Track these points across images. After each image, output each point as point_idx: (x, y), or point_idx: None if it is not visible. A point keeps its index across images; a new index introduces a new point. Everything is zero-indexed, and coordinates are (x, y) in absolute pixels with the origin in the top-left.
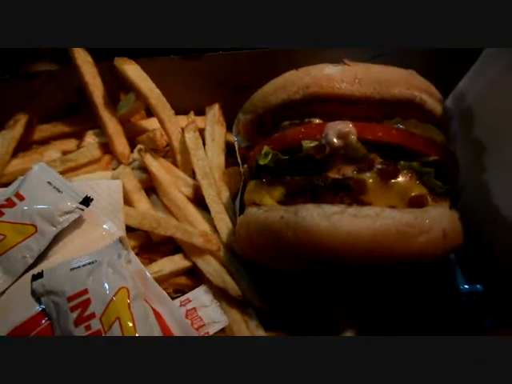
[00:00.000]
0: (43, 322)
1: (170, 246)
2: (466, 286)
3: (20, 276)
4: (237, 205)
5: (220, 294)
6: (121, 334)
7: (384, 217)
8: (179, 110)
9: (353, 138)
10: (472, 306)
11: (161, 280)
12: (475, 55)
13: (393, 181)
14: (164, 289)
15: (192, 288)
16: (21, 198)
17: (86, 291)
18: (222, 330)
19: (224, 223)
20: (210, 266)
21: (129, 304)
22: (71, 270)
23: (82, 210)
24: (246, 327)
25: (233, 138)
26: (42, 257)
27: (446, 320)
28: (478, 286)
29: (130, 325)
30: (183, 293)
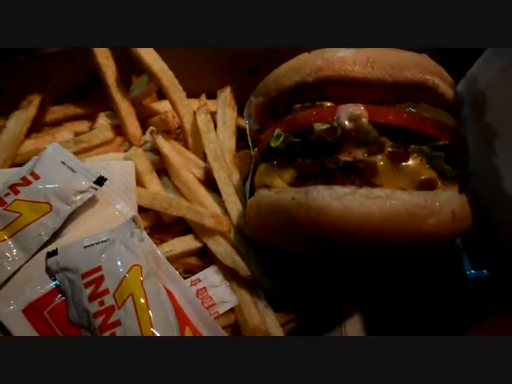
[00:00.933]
0: (58, 297)
1: (181, 226)
2: (472, 271)
3: (35, 253)
4: (247, 187)
5: (230, 274)
6: (134, 310)
7: (395, 198)
8: (191, 93)
9: (364, 120)
10: (477, 291)
11: (172, 260)
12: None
13: (403, 164)
14: (175, 269)
15: (202, 268)
16: (36, 177)
17: (99, 268)
18: (231, 309)
19: (234, 205)
20: (221, 247)
21: (141, 281)
22: (85, 247)
23: (96, 189)
24: (255, 307)
25: (244, 121)
26: (56, 235)
27: (452, 304)
28: (485, 272)
29: (143, 301)
30: (193, 273)
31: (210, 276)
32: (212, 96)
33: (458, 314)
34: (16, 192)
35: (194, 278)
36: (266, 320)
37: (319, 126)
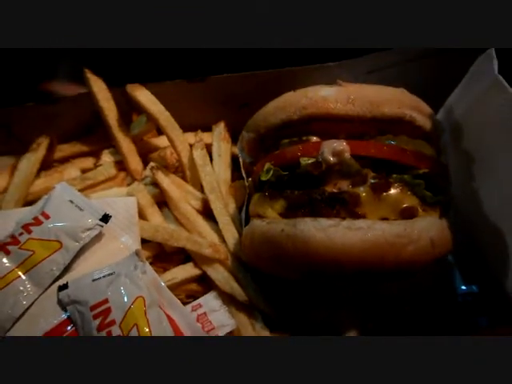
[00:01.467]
0: (69, 327)
1: (182, 255)
2: (463, 287)
3: (48, 287)
4: (243, 216)
5: (228, 299)
6: None
7: (375, 229)
8: (187, 127)
9: (347, 155)
10: (468, 307)
11: (174, 287)
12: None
13: (385, 193)
14: (177, 295)
15: (203, 293)
16: (46, 217)
17: (106, 300)
18: (231, 332)
19: (231, 234)
20: (219, 274)
21: (145, 311)
22: (93, 280)
23: (102, 226)
24: (253, 329)
25: (238, 153)
26: (66, 269)
27: (443, 320)
28: (474, 288)
29: (147, 330)
30: (195, 298)
31: (210, 301)
32: (207, 128)
33: (450, 329)
34: (29, 231)
35: (195, 303)
36: None
37: (305, 161)
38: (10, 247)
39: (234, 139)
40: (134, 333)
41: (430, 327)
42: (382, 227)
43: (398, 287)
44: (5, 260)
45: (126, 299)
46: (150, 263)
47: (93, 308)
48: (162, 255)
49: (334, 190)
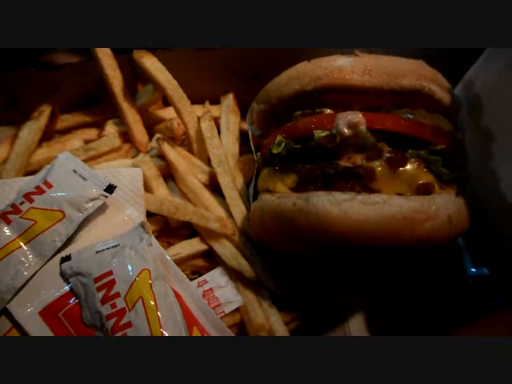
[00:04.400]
0: (72, 300)
1: (188, 230)
2: (473, 270)
3: (50, 259)
4: (250, 191)
5: (235, 275)
6: (144, 312)
7: (391, 204)
8: (195, 99)
9: (362, 127)
10: (478, 289)
11: (179, 262)
12: None
13: (401, 169)
14: (182, 271)
15: (209, 269)
16: (49, 186)
17: (110, 272)
18: (237, 309)
19: (238, 209)
20: (226, 249)
21: (150, 284)
22: (97, 252)
23: (106, 196)
24: (260, 307)
25: (247, 126)
26: (69, 240)
27: (453, 302)
28: (485, 270)
29: (152, 303)
30: (200, 274)
31: (216, 277)
32: (216, 101)
33: (459, 311)
34: (30, 200)
35: (200, 279)
36: (270, 319)
37: (319, 133)
38: (10, 216)
39: (243, 114)
40: (139, 306)
41: (440, 309)
42: (399, 202)
43: (407, 268)
44: (5, 229)
45: (130, 271)
46: (155, 237)
47: (96, 280)
48: (167, 230)
49: (348, 165)
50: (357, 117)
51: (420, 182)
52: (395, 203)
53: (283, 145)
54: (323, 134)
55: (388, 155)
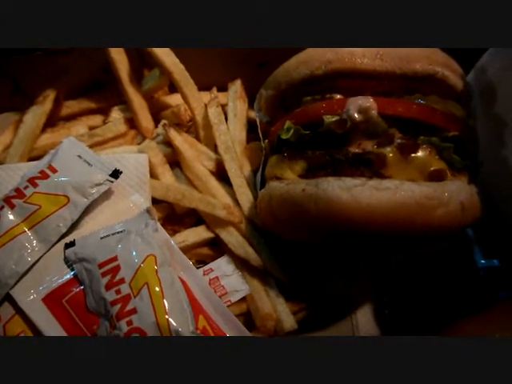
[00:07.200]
0: (76, 286)
1: (193, 217)
2: (483, 261)
3: (54, 244)
4: (258, 179)
5: (242, 264)
6: (149, 298)
7: (403, 189)
8: (202, 86)
9: (373, 112)
10: (488, 281)
11: (184, 250)
12: None
13: (412, 155)
14: (188, 259)
15: (214, 258)
16: (54, 171)
17: (115, 258)
18: (243, 298)
19: (245, 196)
20: (233, 237)
21: (156, 270)
22: (101, 238)
23: (112, 182)
24: (267, 296)
25: (254, 113)
26: (74, 226)
27: (462, 294)
28: (495, 261)
29: (158, 290)
30: (206, 263)
31: (222, 266)
32: (223, 89)
33: (468, 303)
34: (35, 185)
35: (206, 267)
36: (277, 308)
37: (329, 119)
38: (14, 201)
39: (251, 102)
40: (144, 292)
41: (448, 301)
42: (411, 188)
43: (416, 259)
44: (9, 214)
45: (136, 257)
46: (161, 225)
47: (101, 265)
48: (173, 217)
49: (358, 151)
50: (368, 101)
51: (432, 168)
52: (407, 189)
53: (292, 131)
54: (333, 119)
55: (399, 141)
